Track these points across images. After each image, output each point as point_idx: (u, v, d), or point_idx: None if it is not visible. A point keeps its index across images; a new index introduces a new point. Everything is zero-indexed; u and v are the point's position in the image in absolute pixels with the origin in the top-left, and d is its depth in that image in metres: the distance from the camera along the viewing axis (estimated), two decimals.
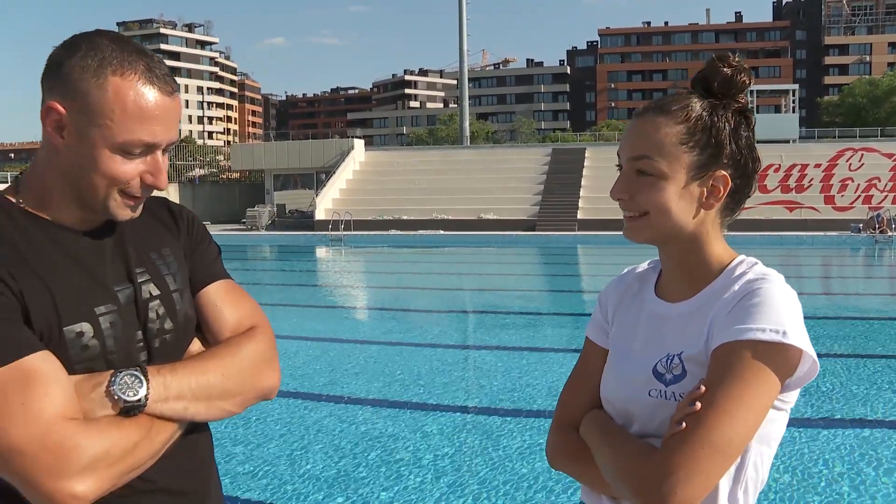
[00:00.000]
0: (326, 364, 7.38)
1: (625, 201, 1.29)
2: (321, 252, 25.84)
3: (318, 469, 4.45)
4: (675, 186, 1.25)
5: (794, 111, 43.19)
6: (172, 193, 40.17)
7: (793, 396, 1.24)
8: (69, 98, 1.16)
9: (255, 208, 37.55)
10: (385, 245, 27.68)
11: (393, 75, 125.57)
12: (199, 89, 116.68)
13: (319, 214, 34.11)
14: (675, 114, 1.26)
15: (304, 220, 34.85)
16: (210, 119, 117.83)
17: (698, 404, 1.14)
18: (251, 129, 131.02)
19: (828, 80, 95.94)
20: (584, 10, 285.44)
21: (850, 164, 34.23)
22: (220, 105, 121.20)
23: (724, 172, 1.26)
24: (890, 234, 25.75)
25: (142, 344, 1.27)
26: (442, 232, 31.07)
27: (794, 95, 43.87)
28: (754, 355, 1.15)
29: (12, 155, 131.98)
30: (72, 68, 1.16)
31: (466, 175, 37.81)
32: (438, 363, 7.52)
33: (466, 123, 49.13)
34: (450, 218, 33.44)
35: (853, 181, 32.86)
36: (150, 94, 1.18)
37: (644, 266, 1.46)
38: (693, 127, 1.25)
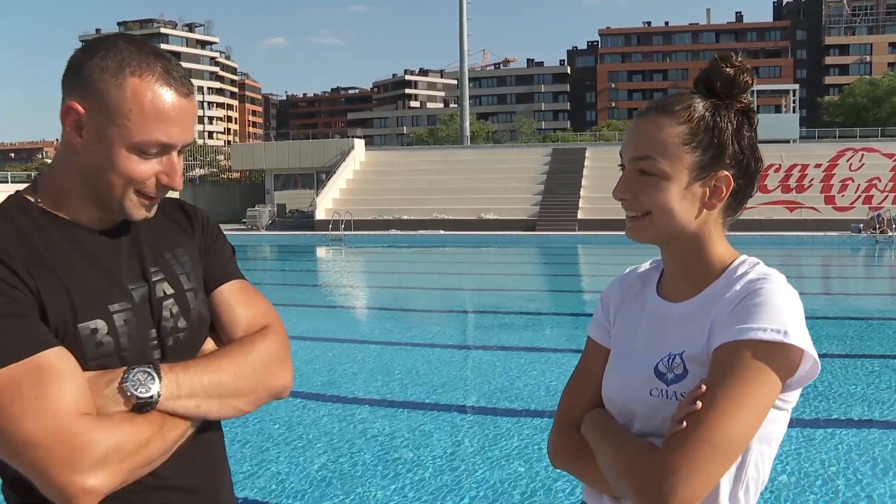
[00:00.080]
0: (326, 363, 7.38)
1: (627, 201, 1.29)
2: (321, 252, 25.85)
3: (317, 468, 4.45)
4: (677, 187, 1.25)
5: (794, 111, 43.21)
6: (172, 193, 40.14)
7: (794, 396, 1.24)
8: (88, 98, 1.19)
9: (256, 208, 37.57)
10: (385, 245, 27.68)
11: (393, 75, 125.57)
12: (200, 89, 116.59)
13: (320, 214, 34.13)
14: (677, 114, 1.26)
15: (305, 219, 34.87)
16: (210, 119, 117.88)
17: (699, 403, 1.14)
18: (251, 129, 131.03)
19: (828, 80, 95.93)
20: (585, 10, 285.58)
21: (851, 165, 34.25)
22: (220, 105, 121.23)
23: (727, 173, 1.26)
24: (890, 234, 25.76)
25: (155, 342, 1.29)
26: (442, 232, 31.08)
27: (794, 95, 43.90)
28: (755, 355, 1.15)
29: (12, 155, 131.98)
30: (91, 69, 1.19)
31: (467, 175, 37.82)
32: (438, 363, 7.53)
33: (467, 123, 49.14)
34: (450, 218, 33.46)
35: (853, 181, 32.87)
36: (167, 95, 1.20)
37: (646, 266, 1.46)
38: (696, 127, 1.25)
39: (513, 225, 32.69)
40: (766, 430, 1.22)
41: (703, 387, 1.16)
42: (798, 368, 1.18)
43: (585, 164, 37.14)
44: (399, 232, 31.49)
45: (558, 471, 4.12)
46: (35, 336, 1.13)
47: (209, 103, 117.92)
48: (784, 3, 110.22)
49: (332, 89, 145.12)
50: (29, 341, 1.12)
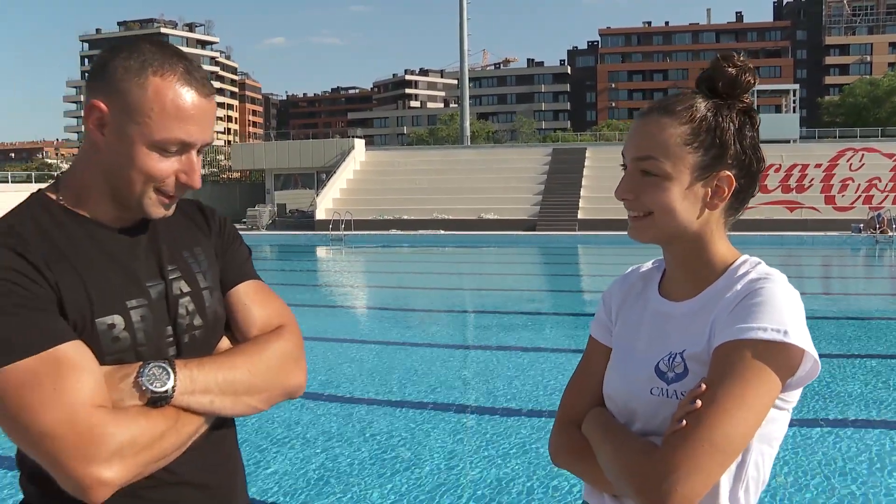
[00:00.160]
0: (325, 363, 7.38)
1: (629, 201, 1.29)
2: (321, 252, 25.85)
3: (315, 468, 4.45)
4: (679, 187, 1.25)
5: (794, 111, 43.21)
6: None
7: (794, 396, 1.24)
8: (111, 97, 1.22)
9: (256, 208, 37.58)
10: (385, 245, 27.69)
11: (393, 75, 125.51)
12: None
13: (320, 214, 34.14)
14: (679, 114, 1.26)
15: (305, 219, 34.88)
16: None
17: (699, 402, 1.15)
18: (252, 129, 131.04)
19: (828, 80, 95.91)
20: (585, 9, 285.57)
21: (851, 164, 34.25)
22: (220, 105, 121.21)
23: (729, 173, 1.27)
24: (890, 234, 25.75)
25: (171, 339, 1.30)
26: (442, 232, 31.08)
27: (794, 95, 43.89)
28: (756, 354, 1.15)
29: (13, 155, 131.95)
30: (115, 69, 1.22)
31: (467, 175, 37.83)
32: (437, 362, 7.53)
33: (467, 123, 49.15)
34: (450, 218, 33.46)
35: (854, 181, 32.87)
36: (187, 94, 1.23)
37: (648, 265, 1.46)
38: (697, 127, 1.26)
39: (513, 225, 32.70)
40: (766, 429, 1.22)
41: (703, 386, 1.17)
42: (799, 368, 1.18)
43: (586, 163, 37.15)
44: (399, 232, 31.50)
45: (559, 469, 4.12)
46: (54, 329, 1.15)
47: None
48: (784, 3, 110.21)
49: (332, 89, 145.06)
50: (48, 334, 1.14)
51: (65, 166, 76.57)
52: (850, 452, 4.67)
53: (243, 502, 1.45)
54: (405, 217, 33.86)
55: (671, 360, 1.27)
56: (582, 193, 34.64)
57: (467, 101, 50.01)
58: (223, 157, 60.10)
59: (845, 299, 13.34)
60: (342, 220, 30.17)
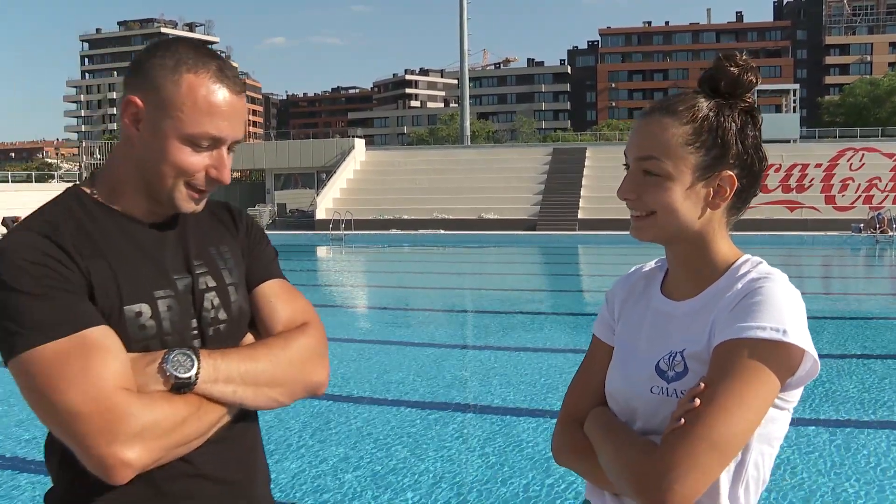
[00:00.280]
0: None
1: (632, 201, 1.29)
2: (321, 251, 25.85)
3: (314, 467, 4.45)
4: (681, 187, 1.26)
5: (794, 111, 43.19)
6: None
7: (795, 396, 1.25)
8: (147, 93, 1.27)
9: (256, 208, 37.56)
10: (385, 244, 27.68)
11: (394, 75, 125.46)
12: None
13: (320, 214, 34.13)
14: (681, 114, 1.27)
15: (305, 219, 34.88)
16: None
17: (698, 401, 1.15)
18: (252, 129, 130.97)
19: (829, 79, 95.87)
20: (585, 9, 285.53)
21: (851, 164, 34.23)
22: None
23: (731, 172, 1.27)
24: (891, 233, 25.75)
25: (196, 332, 1.33)
26: (442, 231, 31.08)
27: (794, 95, 43.87)
28: (754, 353, 1.15)
29: (13, 155, 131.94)
30: (151, 66, 1.27)
31: (467, 175, 37.82)
32: (437, 362, 7.53)
33: (467, 123, 49.14)
34: (450, 217, 33.46)
35: (854, 181, 32.86)
36: (219, 91, 1.28)
37: (651, 265, 1.47)
38: (699, 127, 1.26)
39: (513, 224, 32.69)
40: (766, 429, 1.22)
41: (702, 385, 1.17)
42: (799, 368, 1.18)
43: (586, 163, 37.14)
44: (399, 231, 31.49)
45: (561, 468, 4.12)
46: (83, 314, 1.19)
47: None
48: (784, 3, 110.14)
49: (332, 89, 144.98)
50: (78, 318, 1.18)
51: (65, 166, 76.61)
52: (849, 452, 4.67)
53: (264, 498, 1.46)
54: (405, 217, 33.85)
55: (671, 358, 1.27)
56: (582, 193, 34.63)
57: (467, 101, 49.98)
58: None
59: (845, 299, 13.34)
60: (342, 220, 30.16)
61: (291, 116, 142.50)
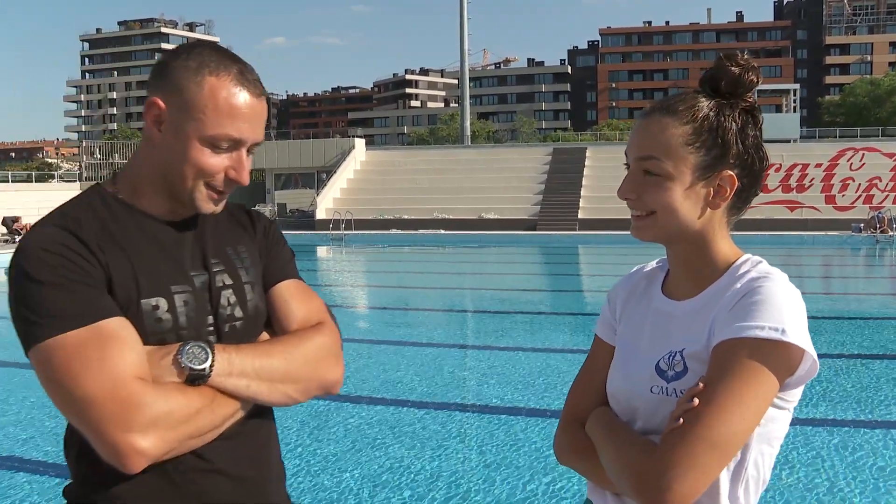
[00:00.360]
0: None
1: (632, 201, 1.30)
2: (322, 251, 25.85)
3: (312, 466, 4.45)
4: (681, 186, 1.26)
5: (795, 111, 43.18)
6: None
7: (795, 395, 1.25)
8: (170, 95, 1.30)
9: (256, 207, 37.48)
10: (386, 244, 27.68)
11: (394, 75, 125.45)
12: None
13: (320, 214, 34.13)
14: (681, 114, 1.26)
15: (305, 219, 34.87)
16: None
17: (696, 401, 1.15)
18: None
19: (829, 79, 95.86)
20: (585, 9, 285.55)
21: (851, 164, 34.21)
22: None
23: (731, 172, 1.27)
24: (891, 233, 25.75)
25: (212, 328, 1.35)
26: (443, 231, 31.07)
27: (795, 95, 43.85)
28: (753, 353, 1.15)
29: (13, 154, 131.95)
30: (175, 69, 1.30)
31: (467, 174, 37.81)
32: (438, 362, 7.53)
33: (467, 123, 49.13)
34: (450, 217, 33.44)
35: (854, 181, 32.84)
36: (240, 94, 1.30)
37: (652, 265, 1.47)
38: (699, 127, 1.26)
39: (513, 224, 32.68)
40: (766, 428, 1.22)
41: (701, 384, 1.17)
42: (798, 367, 1.18)
43: (586, 163, 37.13)
44: (400, 231, 31.49)
45: (560, 467, 4.12)
46: (102, 305, 1.22)
47: None
48: (785, 3, 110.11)
49: (332, 89, 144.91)
50: (96, 309, 1.21)
51: (65, 166, 76.59)
52: (849, 452, 4.67)
53: (278, 496, 1.47)
54: (405, 217, 33.83)
55: (671, 358, 1.27)
56: (582, 193, 34.61)
57: (468, 101, 49.98)
58: None
59: (845, 299, 13.34)
60: (342, 220, 30.17)
61: (291, 116, 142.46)
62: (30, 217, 28.49)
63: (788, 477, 4.22)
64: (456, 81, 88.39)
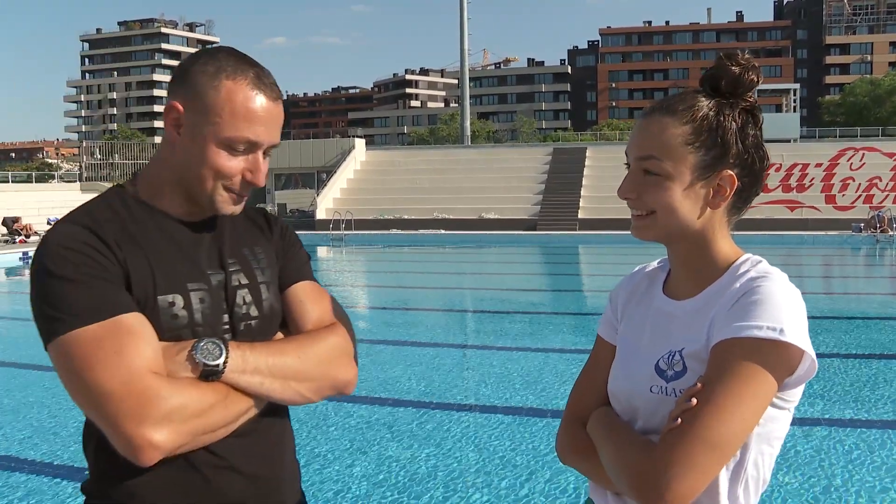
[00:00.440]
0: None
1: (632, 200, 1.30)
2: (322, 251, 25.84)
3: (312, 465, 4.45)
4: (680, 186, 1.26)
5: (795, 111, 43.17)
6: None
7: (795, 395, 1.24)
8: (188, 99, 1.33)
9: (256, 207, 37.48)
10: (386, 244, 27.68)
11: (394, 75, 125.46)
12: None
13: (320, 214, 34.13)
14: (681, 114, 1.27)
15: (305, 219, 34.86)
16: None
17: (694, 400, 1.15)
18: None
19: (829, 79, 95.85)
20: (586, 9, 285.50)
21: (852, 164, 34.19)
22: None
23: (731, 172, 1.27)
24: (891, 233, 25.74)
25: (227, 326, 1.38)
26: (443, 231, 31.06)
27: (795, 95, 43.86)
28: (751, 352, 1.15)
29: (13, 155, 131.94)
30: (193, 73, 1.33)
31: (467, 174, 37.80)
32: (438, 362, 7.53)
33: (467, 123, 49.12)
34: (451, 217, 33.43)
35: (854, 181, 32.82)
36: (257, 98, 1.33)
37: (654, 265, 1.47)
38: (699, 127, 1.26)
39: (513, 224, 32.67)
40: (766, 428, 1.22)
41: (699, 384, 1.17)
42: (798, 367, 1.18)
43: (586, 163, 37.11)
44: (400, 231, 31.48)
45: (561, 467, 4.12)
46: (119, 301, 1.25)
47: None
48: (785, 3, 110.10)
49: (332, 89, 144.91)
50: (114, 304, 1.24)
51: (65, 166, 76.58)
52: (849, 452, 4.67)
53: (293, 494, 1.48)
54: (406, 217, 33.82)
55: (671, 358, 1.27)
56: (582, 193, 34.60)
57: (468, 101, 49.96)
58: None
59: (845, 299, 13.34)
60: (343, 220, 30.16)
61: (292, 116, 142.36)
62: (30, 217, 28.49)
63: (785, 476, 4.21)
64: (456, 81, 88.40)
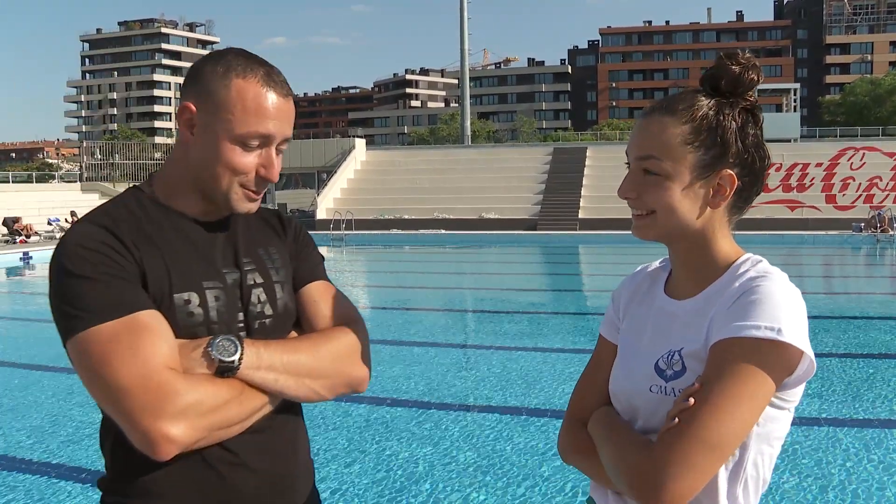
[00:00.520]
0: None
1: (632, 200, 1.30)
2: (322, 251, 25.72)
3: (313, 465, 4.45)
4: (680, 186, 1.26)
5: (795, 110, 43.16)
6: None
7: (795, 395, 1.24)
8: (200, 98, 1.36)
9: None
10: (386, 244, 27.68)
11: (394, 74, 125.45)
12: None
13: (321, 214, 34.13)
14: (681, 113, 1.26)
15: (306, 219, 34.86)
16: None
17: (692, 400, 1.15)
18: None
19: (829, 79, 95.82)
20: (586, 9, 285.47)
21: (852, 164, 34.18)
22: None
23: (731, 171, 1.27)
24: (891, 233, 25.73)
25: (242, 324, 1.40)
26: (443, 231, 31.06)
27: (795, 94, 43.84)
28: (749, 352, 1.15)
29: (13, 155, 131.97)
30: (204, 74, 1.36)
31: (467, 174, 37.80)
32: (437, 362, 7.53)
33: (468, 123, 49.13)
34: (451, 217, 33.42)
35: (854, 180, 32.81)
36: (267, 94, 1.36)
37: (655, 264, 1.47)
38: (698, 126, 1.26)
39: (514, 224, 32.67)
40: (765, 428, 1.22)
41: (697, 384, 1.17)
42: (797, 367, 1.18)
43: (586, 163, 37.11)
44: (400, 231, 31.48)
45: (561, 467, 4.12)
46: (136, 298, 1.27)
47: None
48: (785, 2, 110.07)
49: (332, 89, 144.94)
50: (131, 302, 1.26)
51: (65, 166, 76.57)
52: (849, 452, 4.67)
53: (307, 491, 1.51)
54: (406, 217, 33.82)
55: (670, 357, 1.27)
56: (583, 193, 34.60)
57: (468, 101, 49.97)
58: None
59: (846, 298, 13.33)
60: (343, 220, 30.17)
61: None
62: (30, 217, 28.50)
63: (783, 475, 4.21)
64: (456, 81, 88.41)
